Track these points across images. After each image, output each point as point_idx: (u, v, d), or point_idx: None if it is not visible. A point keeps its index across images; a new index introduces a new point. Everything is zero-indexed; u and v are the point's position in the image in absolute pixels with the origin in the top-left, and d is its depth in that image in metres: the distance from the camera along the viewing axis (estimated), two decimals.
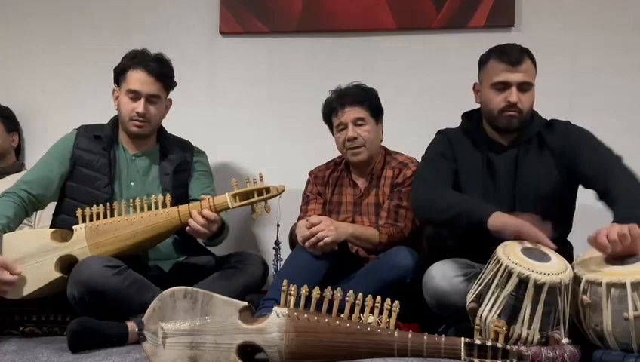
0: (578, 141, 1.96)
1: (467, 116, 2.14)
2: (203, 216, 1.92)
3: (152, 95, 2.16)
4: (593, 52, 2.57)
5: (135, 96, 2.14)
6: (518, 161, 1.98)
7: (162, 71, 2.17)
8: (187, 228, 1.95)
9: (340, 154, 2.33)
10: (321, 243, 2.00)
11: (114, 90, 2.21)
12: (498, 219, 1.76)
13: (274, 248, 2.28)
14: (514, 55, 1.93)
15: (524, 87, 1.94)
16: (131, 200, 1.98)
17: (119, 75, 2.17)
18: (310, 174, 2.38)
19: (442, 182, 1.99)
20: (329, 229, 2.01)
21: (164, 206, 1.96)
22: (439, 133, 2.15)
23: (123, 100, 2.16)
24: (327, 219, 2.08)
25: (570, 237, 2.05)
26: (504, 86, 1.95)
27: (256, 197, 1.92)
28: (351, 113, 2.19)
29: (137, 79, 2.14)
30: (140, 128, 2.17)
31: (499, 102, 1.96)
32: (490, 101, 1.98)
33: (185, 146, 2.31)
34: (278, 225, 2.25)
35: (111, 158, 2.16)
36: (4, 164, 2.69)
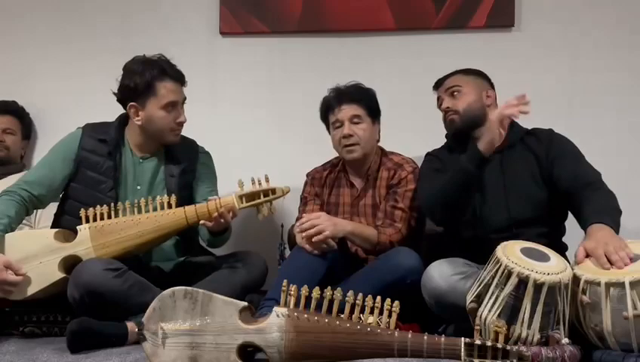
0: (562, 150, 2.00)
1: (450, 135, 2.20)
2: (221, 215, 1.93)
3: (185, 99, 2.18)
4: (593, 52, 2.57)
5: (173, 107, 2.12)
6: (503, 165, 2.03)
7: (182, 75, 2.17)
8: (209, 223, 1.95)
9: (337, 155, 2.33)
10: (320, 236, 2.00)
11: (132, 106, 2.11)
12: (483, 140, 1.91)
13: (278, 248, 2.27)
14: (438, 80, 2.18)
15: (453, 91, 2.10)
16: (136, 201, 1.98)
17: (144, 92, 2.09)
18: (307, 175, 2.38)
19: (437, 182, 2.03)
20: (327, 224, 2.02)
21: (169, 206, 1.97)
22: (427, 155, 2.21)
23: (158, 115, 2.10)
24: (326, 215, 2.09)
25: (565, 239, 2.06)
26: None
27: (262, 199, 1.93)
28: (347, 110, 2.20)
29: (171, 90, 2.11)
30: (178, 136, 2.18)
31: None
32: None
33: (190, 147, 2.28)
34: (282, 226, 2.25)
35: (117, 162, 2.14)
36: (7, 168, 2.66)
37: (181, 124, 2.16)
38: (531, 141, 2.05)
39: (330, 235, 2.02)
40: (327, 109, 2.26)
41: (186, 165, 2.22)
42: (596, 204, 1.80)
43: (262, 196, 1.94)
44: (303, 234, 2.03)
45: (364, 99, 2.22)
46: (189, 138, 2.31)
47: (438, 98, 2.16)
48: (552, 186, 1.98)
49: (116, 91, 2.16)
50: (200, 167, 2.27)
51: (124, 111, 2.18)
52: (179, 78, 2.15)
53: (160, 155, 2.22)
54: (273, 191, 1.94)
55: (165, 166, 2.20)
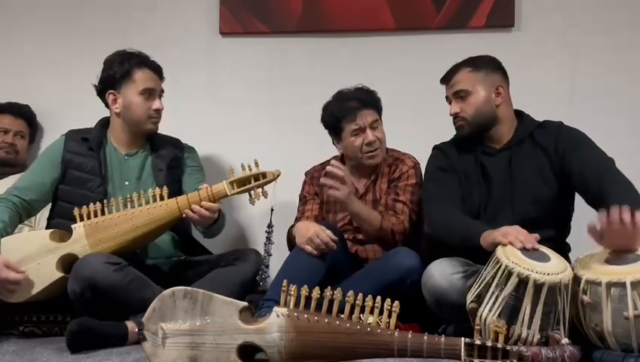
0: (572, 141, 1.97)
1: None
2: (203, 207, 1.94)
3: (162, 91, 2.23)
4: (593, 52, 2.57)
5: (150, 94, 2.18)
6: (512, 163, 2.00)
7: (161, 68, 2.24)
8: (184, 213, 1.96)
9: (336, 153, 2.34)
10: (331, 191, 2.01)
11: (110, 93, 2.19)
12: (487, 240, 1.75)
13: (266, 231, 2.27)
14: (446, 74, 2.10)
15: (461, 94, 2.04)
16: (128, 196, 2.00)
17: (122, 78, 2.17)
18: (306, 175, 2.38)
19: (446, 197, 2.00)
20: (345, 189, 2.02)
21: (161, 198, 1.98)
22: (434, 148, 2.18)
23: (136, 101, 2.17)
24: (350, 183, 2.08)
25: (568, 240, 2.05)
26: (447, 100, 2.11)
27: (253, 183, 1.95)
28: (367, 116, 2.18)
29: (149, 77, 2.19)
30: (156, 124, 2.23)
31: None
32: None
33: (175, 143, 2.32)
34: (272, 210, 2.25)
35: (101, 159, 2.18)
36: (10, 168, 2.66)
37: (158, 112, 2.21)
38: (540, 135, 2.01)
39: (340, 198, 2.03)
40: (340, 117, 2.20)
41: (172, 160, 2.25)
42: (616, 196, 1.73)
43: (253, 181, 1.95)
44: (323, 176, 2.04)
45: (375, 102, 2.23)
46: (172, 136, 2.35)
47: (447, 97, 2.12)
48: (563, 180, 1.95)
49: (96, 84, 2.23)
50: (187, 162, 2.31)
51: (104, 103, 2.23)
52: (157, 69, 2.23)
53: (145, 152, 2.26)
54: (264, 175, 1.95)
55: (152, 161, 2.24)
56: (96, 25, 2.81)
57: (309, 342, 1.50)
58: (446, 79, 2.10)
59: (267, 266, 2.12)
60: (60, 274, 1.92)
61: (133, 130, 2.21)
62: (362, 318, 1.51)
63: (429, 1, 2.63)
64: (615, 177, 1.84)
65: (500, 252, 1.64)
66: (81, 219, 1.96)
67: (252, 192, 1.97)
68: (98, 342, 1.77)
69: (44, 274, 1.92)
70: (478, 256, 1.80)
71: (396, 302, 1.51)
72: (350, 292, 1.53)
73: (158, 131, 2.31)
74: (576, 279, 1.61)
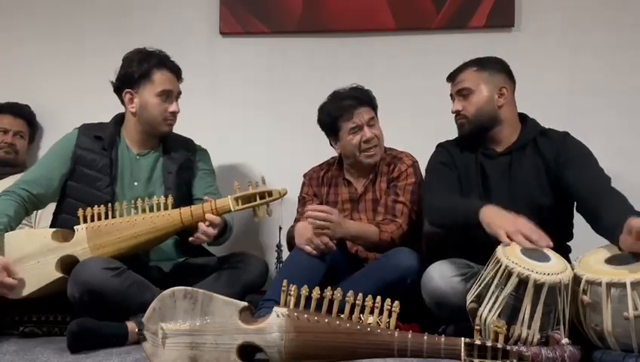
0: (573, 153, 1.96)
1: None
2: (207, 221, 1.93)
3: (179, 93, 2.22)
4: (593, 51, 2.57)
5: (167, 96, 2.16)
6: (512, 168, 2.00)
7: (180, 70, 2.23)
8: (190, 238, 1.97)
9: (335, 154, 2.34)
10: (321, 230, 1.99)
11: (127, 92, 2.17)
12: (488, 213, 1.76)
13: (276, 251, 2.28)
14: (452, 72, 2.11)
15: (464, 92, 2.05)
16: (133, 201, 1.99)
17: (140, 78, 2.14)
18: (305, 176, 2.39)
19: (446, 188, 2.01)
20: (334, 222, 2.01)
21: (165, 207, 1.97)
22: (438, 146, 2.18)
23: (152, 102, 2.15)
24: (338, 214, 2.07)
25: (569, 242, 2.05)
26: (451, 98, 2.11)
27: (258, 201, 1.93)
28: (364, 114, 2.19)
29: (167, 79, 2.17)
30: (171, 126, 2.21)
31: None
32: None
33: (187, 145, 2.31)
34: (280, 228, 2.25)
35: (112, 158, 2.16)
36: (9, 168, 2.66)
37: (174, 114, 2.19)
38: (543, 143, 2.00)
39: (331, 235, 2.02)
40: (338, 116, 2.21)
41: (183, 162, 2.24)
42: (618, 208, 1.72)
43: (258, 198, 1.93)
44: (309, 219, 2.02)
45: (371, 100, 2.24)
46: (185, 136, 2.33)
47: (451, 95, 2.11)
48: (559, 192, 1.94)
49: (114, 81, 2.20)
50: (198, 164, 2.29)
51: (120, 101, 2.21)
52: (176, 71, 2.21)
53: (157, 152, 2.24)
54: (270, 193, 1.94)
55: (163, 163, 2.22)
56: (96, 25, 2.81)
57: (309, 342, 1.50)
58: (452, 77, 2.11)
59: None
60: (59, 275, 1.92)
61: (148, 130, 2.20)
62: (362, 318, 1.51)
63: (429, 1, 2.63)
64: (611, 193, 1.82)
65: (500, 252, 1.64)
66: (85, 221, 1.96)
67: (257, 209, 1.95)
68: (98, 343, 1.77)
69: (43, 273, 1.92)
70: (478, 256, 1.80)
71: (396, 302, 1.51)
72: (350, 292, 1.53)
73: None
74: (577, 279, 1.61)
